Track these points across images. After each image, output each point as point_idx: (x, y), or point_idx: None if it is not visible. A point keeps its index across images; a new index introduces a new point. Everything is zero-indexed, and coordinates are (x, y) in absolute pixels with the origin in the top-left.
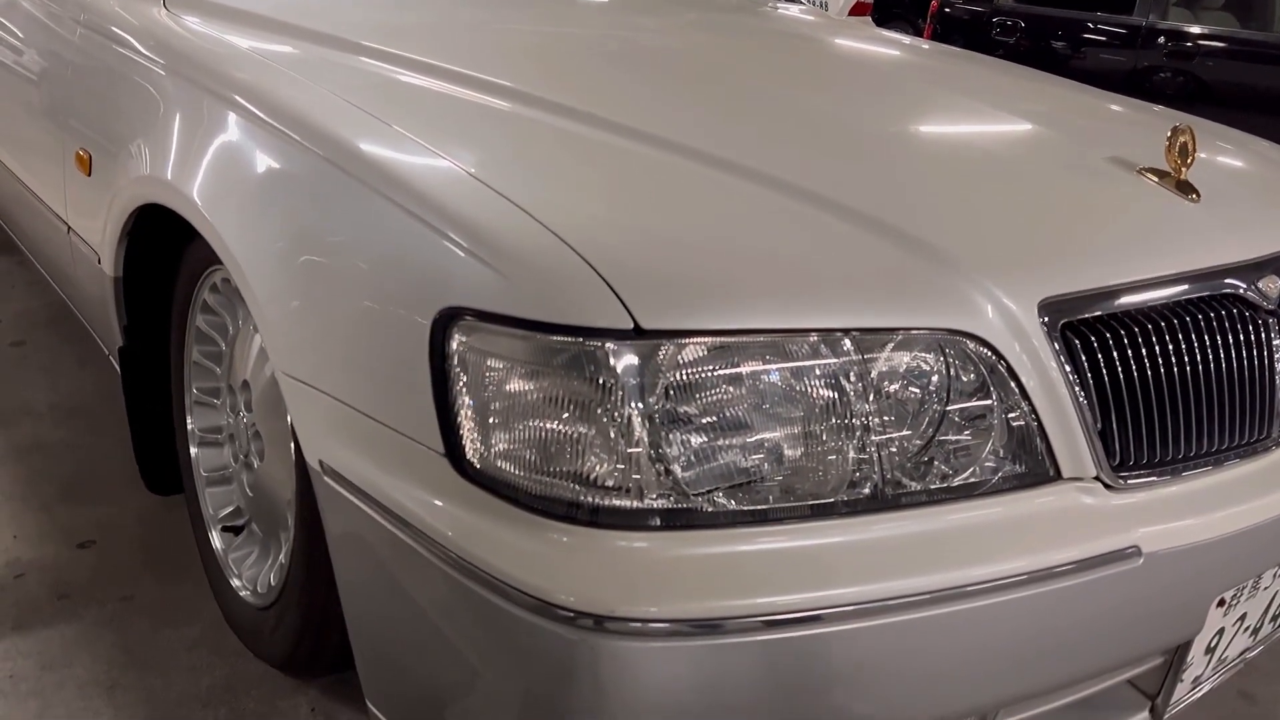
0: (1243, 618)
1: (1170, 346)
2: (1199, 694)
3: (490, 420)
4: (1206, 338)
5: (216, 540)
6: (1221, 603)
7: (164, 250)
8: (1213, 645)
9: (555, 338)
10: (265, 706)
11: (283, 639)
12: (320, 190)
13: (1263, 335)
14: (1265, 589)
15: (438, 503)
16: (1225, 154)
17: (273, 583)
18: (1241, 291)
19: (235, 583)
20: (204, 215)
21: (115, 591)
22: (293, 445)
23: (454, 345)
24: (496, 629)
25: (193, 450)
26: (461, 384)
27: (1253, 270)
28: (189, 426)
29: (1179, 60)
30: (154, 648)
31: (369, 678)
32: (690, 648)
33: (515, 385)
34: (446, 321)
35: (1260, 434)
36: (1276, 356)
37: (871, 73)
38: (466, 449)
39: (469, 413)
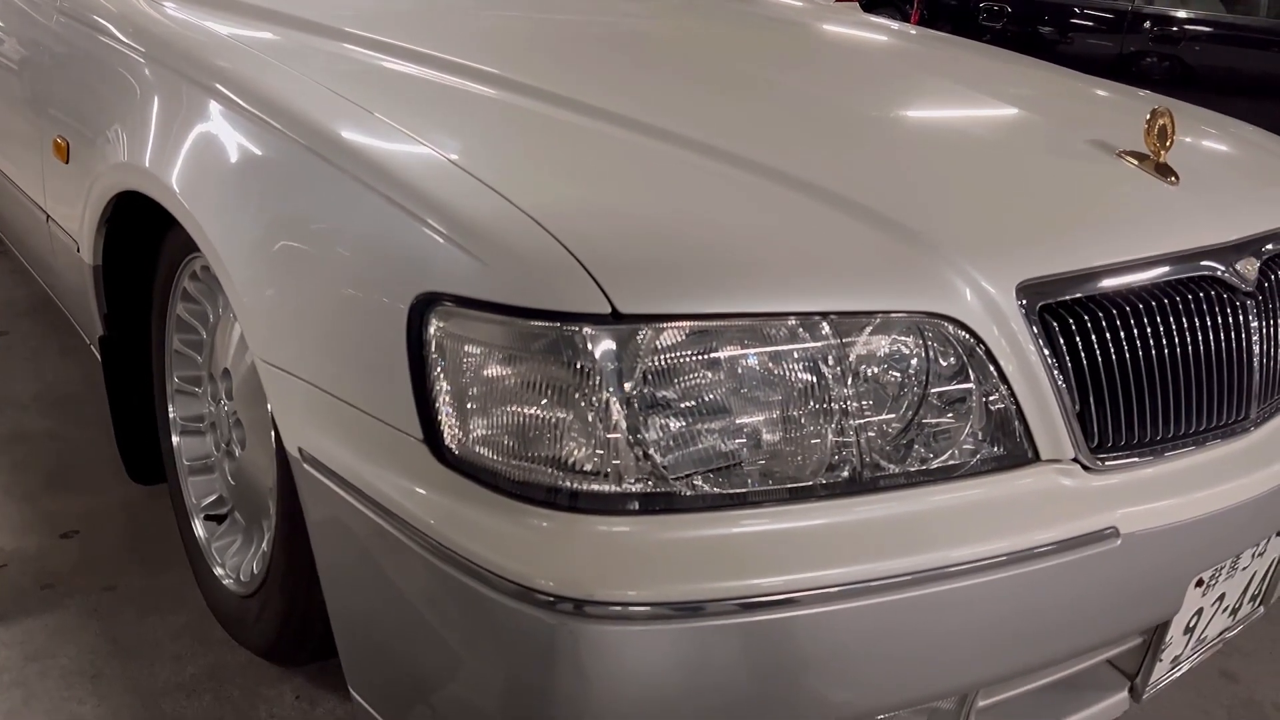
0: (1221, 598)
1: (1148, 329)
2: (1178, 674)
3: (468, 406)
4: (1184, 320)
5: (200, 529)
6: (1200, 583)
7: (143, 238)
8: (1191, 625)
9: (533, 323)
10: (249, 695)
11: (266, 627)
12: (299, 177)
13: (1240, 317)
14: (1243, 569)
15: (417, 489)
16: (1205, 137)
17: (255, 571)
18: (1219, 273)
19: (219, 571)
20: (182, 202)
21: (99, 581)
22: (273, 433)
23: (432, 331)
24: (477, 615)
25: (175, 439)
26: (439, 369)
27: (1231, 252)
28: (170, 415)
29: (1165, 45)
30: (138, 637)
31: (352, 665)
32: (670, 631)
33: (493, 370)
34: (424, 307)
35: (1238, 415)
36: (1253, 338)
37: (855, 58)
38: (445, 435)
39: (447, 398)
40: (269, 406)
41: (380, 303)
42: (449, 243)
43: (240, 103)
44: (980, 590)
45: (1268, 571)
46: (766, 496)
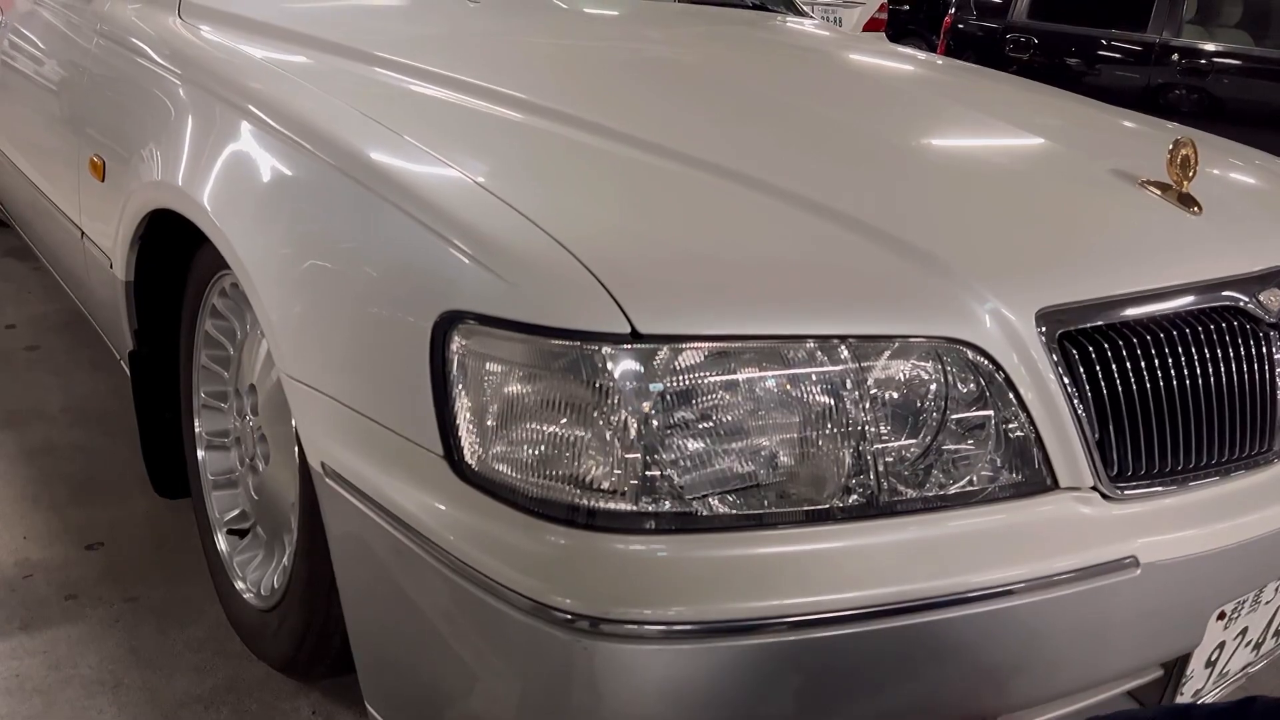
0: (1244, 631)
1: (1169, 358)
2: None
3: (489, 423)
4: (1206, 350)
5: (222, 543)
6: (1222, 615)
7: (175, 256)
8: (1213, 659)
9: (554, 341)
10: (267, 708)
11: (285, 641)
12: (328, 197)
13: (1263, 349)
14: (1267, 603)
15: (436, 505)
16: (1229, 168)
17: (276, 585)
18: (1242, 304)
19: (239, 585)
20: (213, 220)
21: (122, 592)
22: (296, 449)
23: (454, 348)
24: (494, 631)
25: (200, 453)
26: (460, 386)
27: (1254, 283)
28: (196, 429)
29: (1193, 77)
30: (159, 648)
31: (369, 680)
32: (686, 651)
33: (514, 388)
34: (448, 325)
35: (1261, 447)
36: (1278, 370)
37: (880, 85)
38: (465, 451)
39: (468, 415)
40: (293, 422)
41: (405, 320)
42: (473, 262)
43: (272, 124)
44: (998, 617)
45: None
46: (783, 518)
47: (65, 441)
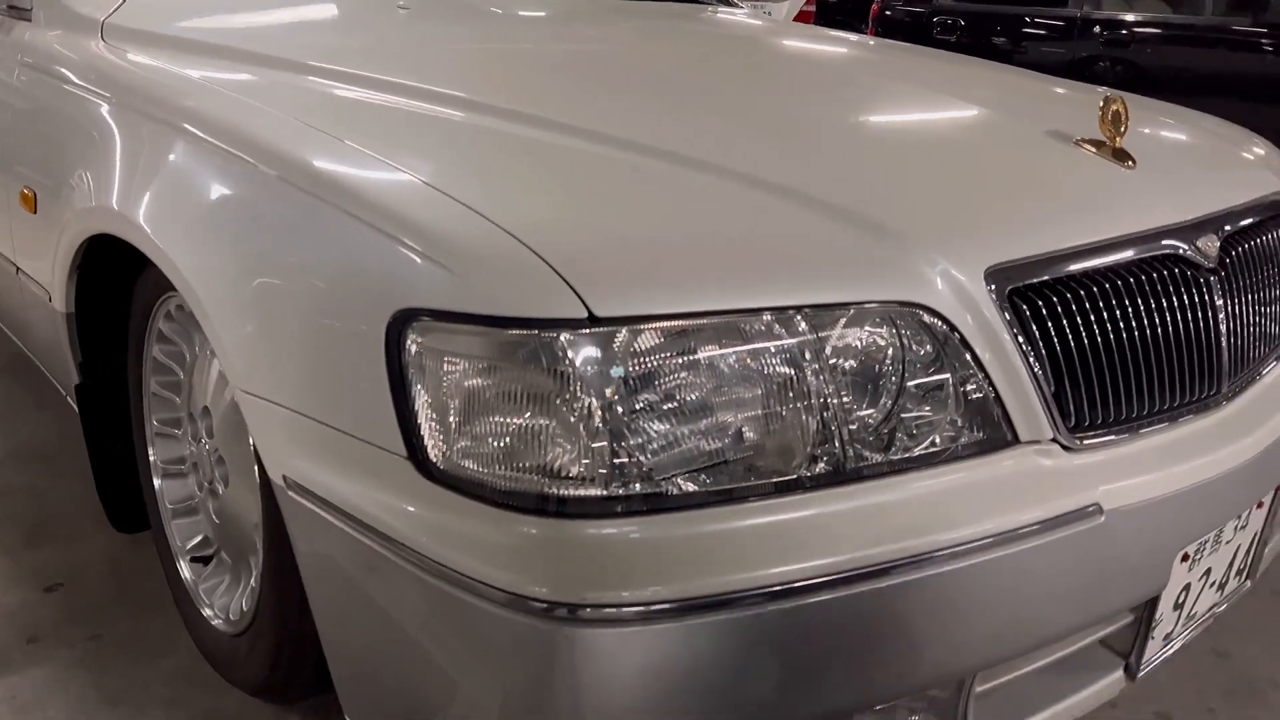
0: (1208, 573)
1: (1116, 309)
2: (1170, 651)
3: (451, 419)
4: (1151, 300)
5: (186, 571)
6: (1185, 558)
7: (115, 283)
8: (1180, 601)
9: (511, 332)
10: None
11: (257, 664)
12: (271, 207)
13: (1205, 295)
14: (1227, 543)
15: (404, 506)
16: (1157, 125)
17: (245, 608)
18: (1181, 252)
19: (207, 612)
20: (154, 241)
21: (85, 631)
22: (257, 467)
23: (411, 347)
24: (472, 629)
25: (157, 483)
26: (420, 385)
27: (1191, 231)
28: (151, 459)
29: (1115, 48)
30: (127, 684)
31: (347, 694)
32: (665, 630)
33: (474, 382)
34: (402, 324)
35: (1210, 390)
36: (1219, 314)
37: (816, 67)
38: (429, 450)
39: (429, 413)
40: (250, 439)
41: (359, 323)
42: (424, 259)
43: (208, 139)
44: (970, 573)
45: (1251, 544)
46: (753, 491)
47: (15, 484)
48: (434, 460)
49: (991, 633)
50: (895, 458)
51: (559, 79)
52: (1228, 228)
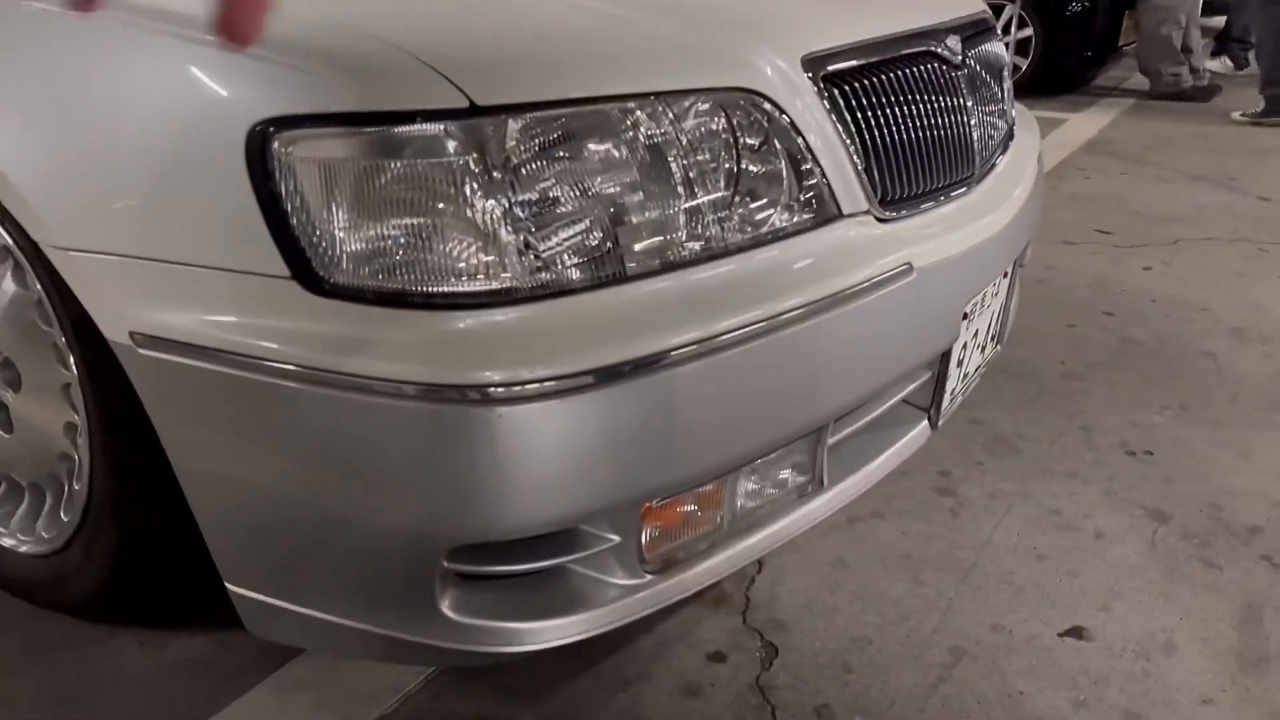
0: (976, 334)
1: (899, 96)
2: (955, 406)
3: (336, 230)
4: (920, 92)
5: None
6: (966, 315)
7: None
8: (961, 359)
9: (393, 129)
10: (84, 656)
11: (95, 570)
12: (83, 44)
13: (958, 91)
14: (987, 307)
15: (295, 327)
16: None
17: (64, 519)
18: (935, 49)
19: (7, 542)
20: None
21: None
22: (73, 354)
23: (279, 158)
24: (384, 434)
25: None
26: (298, 200)
27: (943, 33)
28: None
29: None
30: None
31: (228, 557)
32: (570, 402)
33: (356, 186)
34: (263, 137)
35: (967, 172)
36: (968, 104)
37: None
38: (315, 265)
39: (310, 227)
40: (65, 309)
41: (209, 149)
42: (283, 67)
43: None
44: (820, 328)
45: (1000, 310)
46: (640, 274)
47: None
48: (321, 275)
49: (841, 381)
50: (747, 234)
51: None
52: (964, 35)
